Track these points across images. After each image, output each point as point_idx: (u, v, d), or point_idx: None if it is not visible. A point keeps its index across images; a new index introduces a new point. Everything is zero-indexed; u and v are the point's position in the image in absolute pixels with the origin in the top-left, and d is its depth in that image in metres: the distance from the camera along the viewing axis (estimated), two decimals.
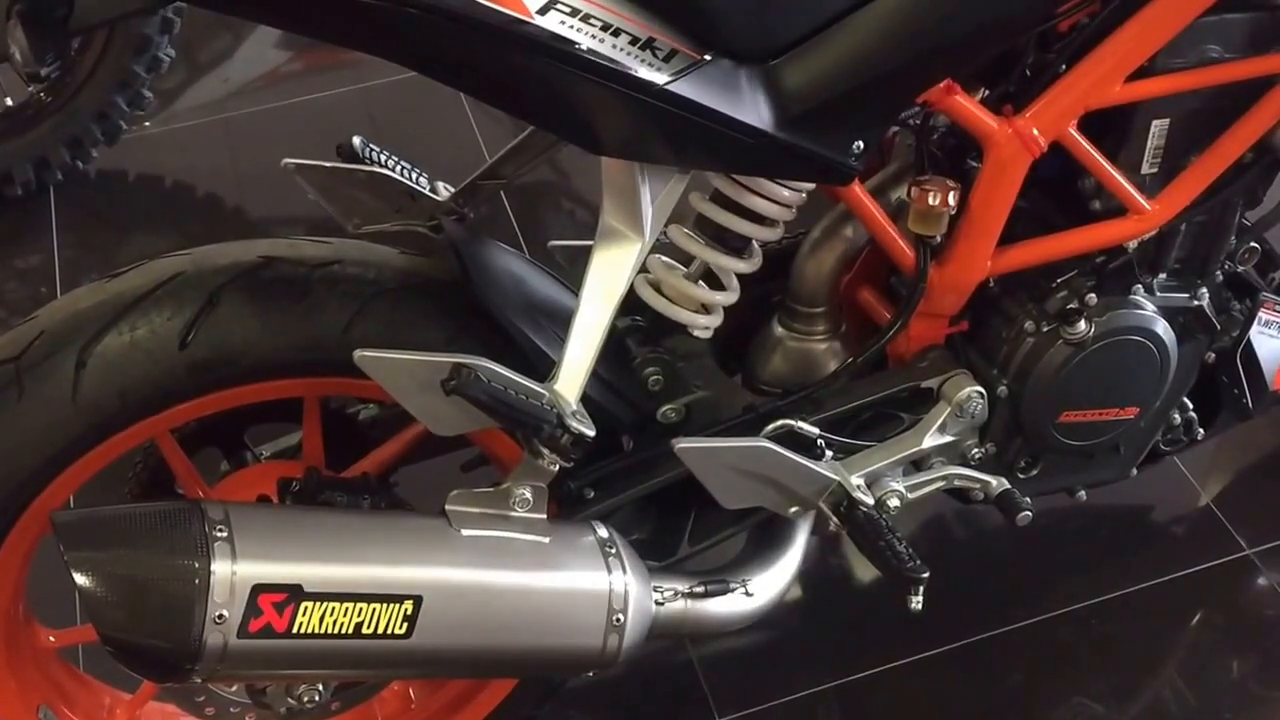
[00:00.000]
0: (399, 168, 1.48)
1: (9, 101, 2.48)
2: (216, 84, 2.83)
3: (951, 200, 1.34)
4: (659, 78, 1.12)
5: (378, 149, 1.47)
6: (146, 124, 2.71)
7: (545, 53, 1.08)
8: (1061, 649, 1.78)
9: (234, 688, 1.42)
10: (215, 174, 2.59)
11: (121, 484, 1.46)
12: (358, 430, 1.53)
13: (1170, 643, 1.80)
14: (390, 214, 1.49)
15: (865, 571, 1.92)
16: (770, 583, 1.43)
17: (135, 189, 2.61)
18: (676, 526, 1.47)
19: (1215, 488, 1.97)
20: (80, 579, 1.06)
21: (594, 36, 1.10)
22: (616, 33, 1.11)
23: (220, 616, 1.08)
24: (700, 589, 1.36)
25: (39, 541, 1.30)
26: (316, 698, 1.37)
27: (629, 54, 1.11)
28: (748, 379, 1.52)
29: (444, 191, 1.51)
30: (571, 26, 1.09)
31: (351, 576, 1.14)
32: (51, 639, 1.41)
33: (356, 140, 1.45)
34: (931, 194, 1.34)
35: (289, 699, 1.37)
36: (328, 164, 1.43)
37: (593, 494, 1.38)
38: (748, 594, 1.40)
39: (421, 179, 1.50)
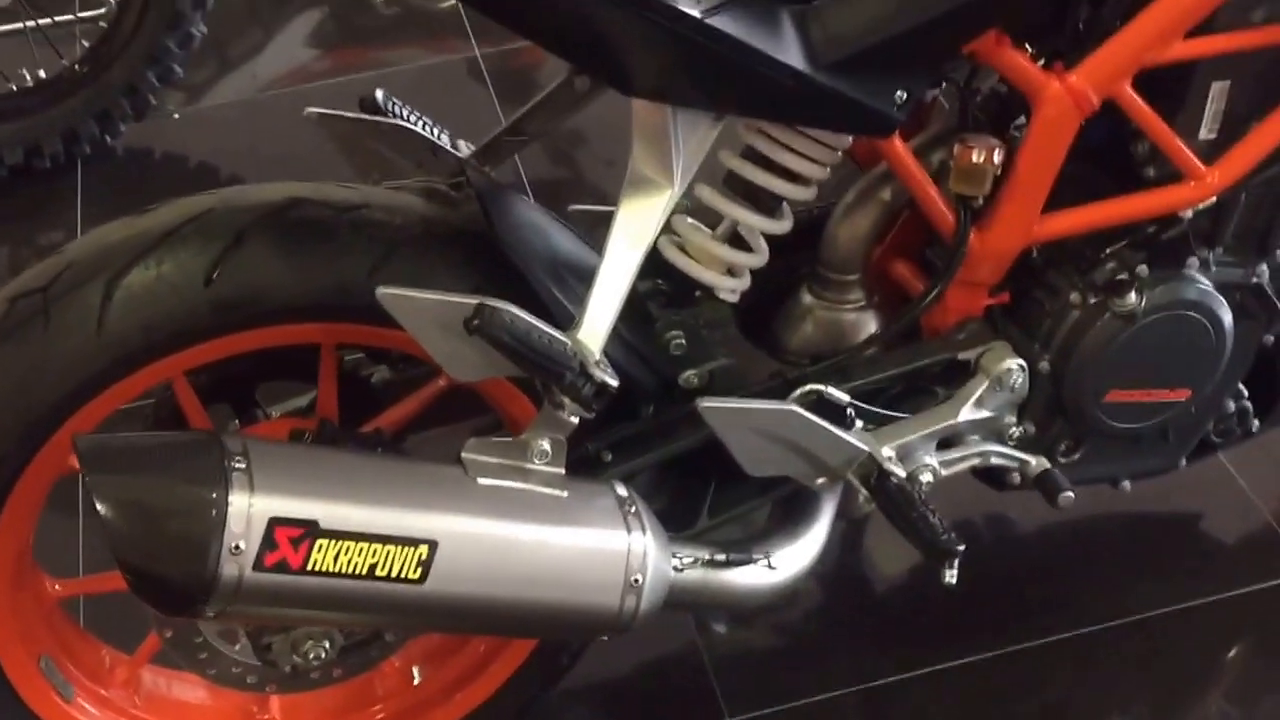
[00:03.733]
0: (420, 123, 1.60)
1: (41, 74, 2.68)
2: (245, 79, 3.06)
3: (996, 158, 1.44)
4: (695, 8, 1.23)
5: (400, 103, 1.59)
6: (175, 115, 2.92)
7: None
8: (1101, 665, 1.84)
9: (237, 646, 1.54)
10: (241, 155, 2.78)
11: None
12: (370, 393, 1.65)
13: (1217, 664, 1.86)
14: (411, 169, 1.61)
15: (889, 572, 2.02)
16: (794, 558, 1.53)
17: (161, 167, 2.82)
18: (696, 497, 1.57)
19: (1275, 500, 2.03)
20: (100, 503, 1.18)
21: None
22: None
23: (237, 548, 1.20)
24: (722, 558, 1.46)
25: (55, 481, 1.41)
26: (322, 654, 1.48)
27: None
28: (775, 349, 1.62)
29: (465, 149, 1.62)
30: None
31: (367, 517, 1.26)
32: (57, 588, 1.53)
33: (379, 93, 1.58)
34: (976, 151, 1.44)
35: (294, 655, 1.48)
36: (350, 114, 1.54)
37: (611, 457, 1.49)
38: (770, 567, 1.50)
39: (444, 135, 1.62)
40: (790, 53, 1.28)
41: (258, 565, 1.21)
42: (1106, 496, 1.75)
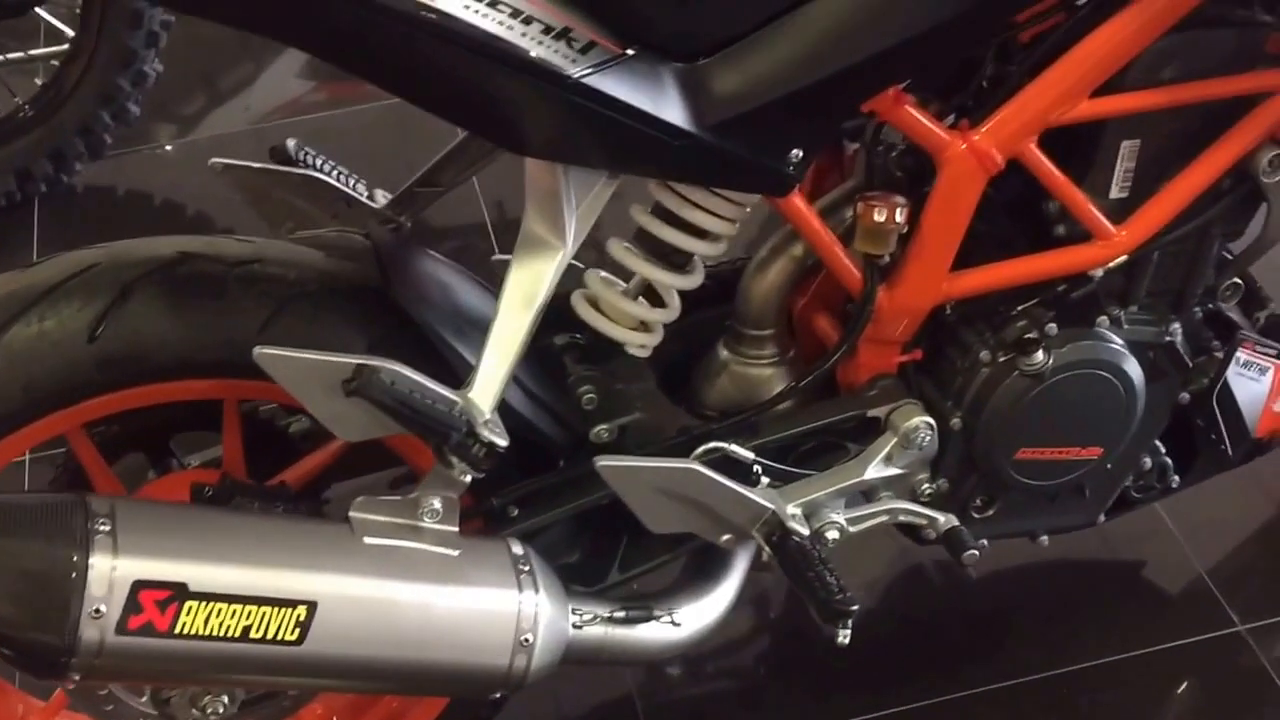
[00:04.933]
0: (335, 172, 1.57)
1: None
2: (238, 112, 3.02)
3: (899, 217, 1.41)
4: (573, 70, 1.20)
5: (313, 152, 1.56)
6: (168, 147, 2.91)
7: (446, 37, 1.16)
8: (1030, 716, 1.82)
9: (143, 698, 1.51)
10: (204, 193, 2.70)
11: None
12: (288, 443, 1.61)
13: (1153, 716, 1.83)
14: (326, 220, 1.58)
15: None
16: (700, 614, 1.50)
17: (123, 205, 2.78)
18: (607, 552, 1.54)
19: (1210, 556, 2.00)
20: None
21: (501, 23, 1.17)
22: (528, 20, 1.19)
23: (98, 611, 1.17)
24: (621, 614, 1.43)
25: None
26: (221, 710, 1.45)
27: (540, 43, 1.19)
28: (691, 405, 1.59)
29: (381, 199, 1.59)
30: (476, 11, 1.16)
31: (241, 578, 1.22)
32: None
33: (291, 142, 1.55)
34: (878, 209, 1.41)
35: (193, 710, 1.44)
36: (257, 164, 1.51)
37: (517, 512, 1.46)
38: (674, 623, 1.47)
39: (360, 185, 1.59)
40: (676, 112, 1.25)
41: (120, 629, 1.17)
42: (1037, 547, 1.71)
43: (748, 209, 1.46)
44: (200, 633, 1.21)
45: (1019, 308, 1.51)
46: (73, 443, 1.43)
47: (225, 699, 1.45)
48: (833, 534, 1.48)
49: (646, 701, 1.86)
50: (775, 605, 2.03)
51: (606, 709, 1.86)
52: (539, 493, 1.48)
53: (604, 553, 1.54)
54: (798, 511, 1.45)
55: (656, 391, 1.53)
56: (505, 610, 1.33)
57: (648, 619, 1.44)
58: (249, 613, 1.22)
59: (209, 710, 1.44)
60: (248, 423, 1.51)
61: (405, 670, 1.31)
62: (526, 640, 1.33)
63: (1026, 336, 1.48)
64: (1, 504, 1.20)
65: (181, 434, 1.60)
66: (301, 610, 1.24)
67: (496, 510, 1.45)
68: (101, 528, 1.19)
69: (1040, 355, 1.48)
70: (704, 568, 1.55)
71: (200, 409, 1.48)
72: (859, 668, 1.89)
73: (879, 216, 1.41)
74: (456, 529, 1.35)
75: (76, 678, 1.20)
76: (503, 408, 1.32)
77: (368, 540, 1.30)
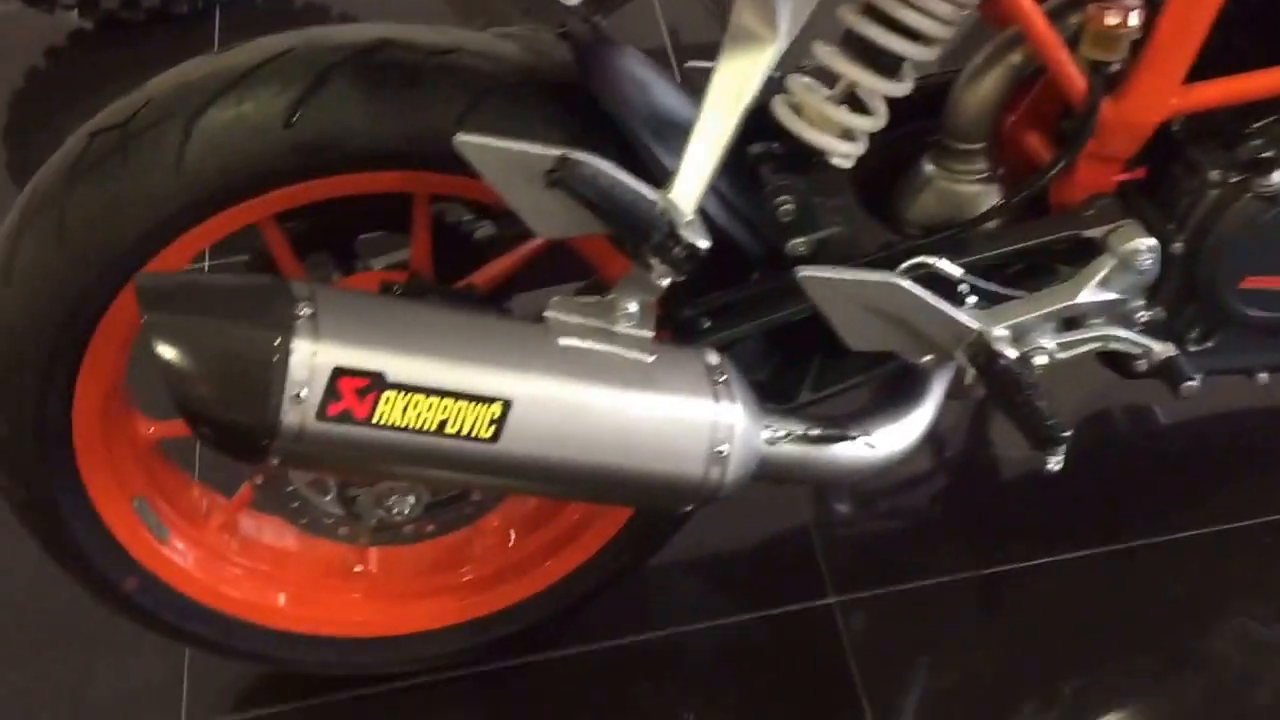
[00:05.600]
0: None
1: None
2: None
3: (1134, 21, 1.30)
4: None
5: None
6: None
7: None
8: (1234, 561, 1.73)
9: (328, 496, 1.49)
10: (381, 6, 2.65)
11: None
12: (472, 249, 1.57)
13: None
14: (517, 16, 1.51)
15: (1013, 456, 1.90)
16: (894, 437, 1.44)
17: (301, 14, 2.74)
18: (799, 370, 1.48)
19: None
20: (157, 344, 1.13)
21: None
22: None
23: (298, 396, 1.14)
24: (816, 432, 1.37)
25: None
26: (406, 510, 1.42)
27: None
28: (893, 221, 1.51)
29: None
30: None
31: (438, 372, 1.19)
32: (151, 430, 1.49)
33: None
34: (1111, 13, 1.30)
35: (379, 509, 1.42)
36: None
37: (709, 323, 1.40)
38: (869, 445, 1.40)
39: None
40: None
41: (320, 414, 1.14)
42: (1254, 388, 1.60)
43: (966, 10, 1.36)
44: (396, 424, 1.17)
45: (1255, 125, 1.40)
46: (265, 234, 1.40)
47: (411, 499, 1.43)
48: (1040, 359, 1.39)
49: (822, 533, 1.80)
50: (954, 443, 1.94)
51: (783, 539, 1.81)
52: (732, 305, 1.42)
53: (796, 371, 1.48)
54: (1005, 334, 1.36)
55: (856, 206, 1.45)
56: (701, 420, 1.28)
57: (843, 438, 1.38)
58: (445, 407, 1.18)
59: (395, 510, 1.42)
60: (432, 227, 1.46)
61: (597, 476, 1.27)
62: (722, 452, 1.28)
63: (1262, 156, 1.38)
64: (203, 282, 1.17)
65: (365, 237, 1.56)
66: (497, 408, 1.20)
67: (688, 321, 1.39)
68: (303, 312, 1.15)
69: (1276, 176, 1.37)
70: (899, 391, 1.48)
71: (386, 210, 1.44)
72: (1045, 509, 1.81)
73: (1112, 20, 1.31)
74: (651, 335, 1.29)
75: (274, 462, 1.17)
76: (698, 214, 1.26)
77: (563, 341, 1.25)
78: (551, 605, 1.64)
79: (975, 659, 1.65)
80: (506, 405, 1.21)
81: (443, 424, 1.19)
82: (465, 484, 1.39)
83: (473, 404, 1.20)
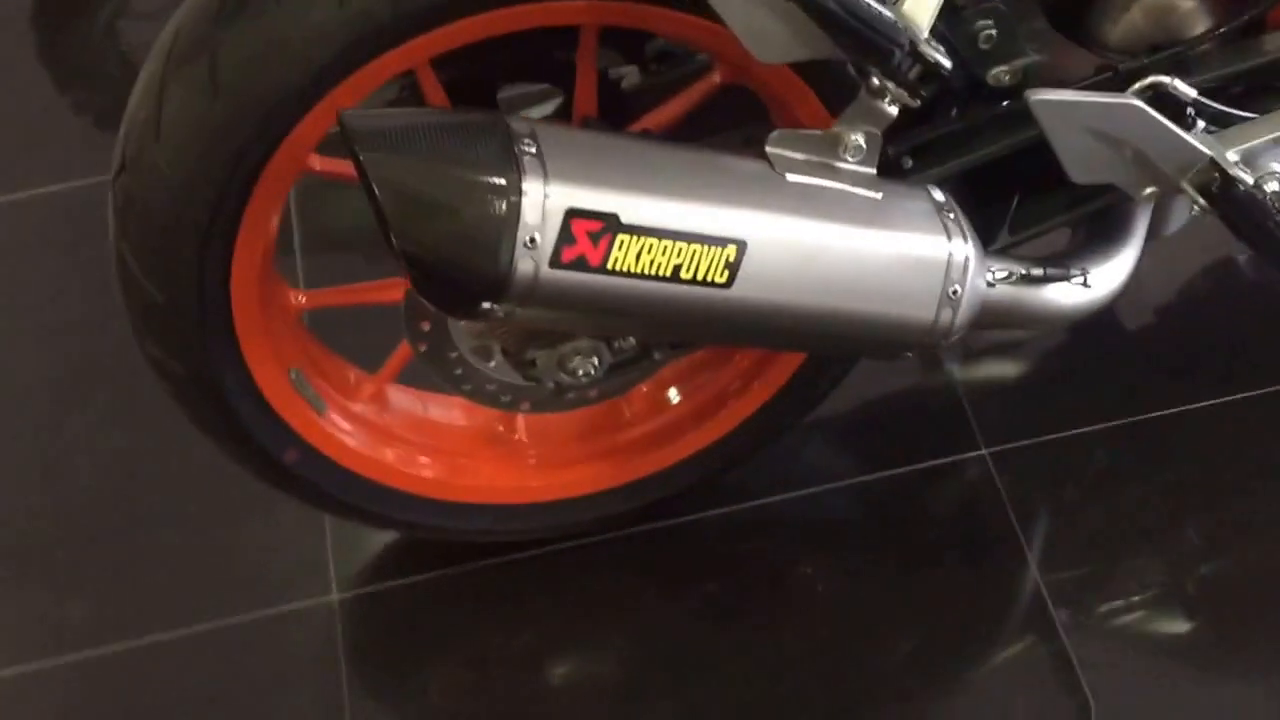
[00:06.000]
0: None
1: None
2: None
3: None
4: None
5: None
6: None
7: None
8: None
9: (492, 363, 1.39)
10: None
11: None
12: (618, 100, 1.45)
13: None
14: None
15: (1162, 300, 1.81)
16: (1109, 275, 1.36)
17: None
18: (998, 212, 1.38)
19: None
20: (377, 186, 1.02)
21: None
22: None
23: (532, 240, 1.04)
24: (1039, 272, 1.27)
25: (298, 178, 1.26)
26: (591, 371, 1.33)
27: None
28: (1091, 44, 1.39)
29: None
30: None
31: (671, 212, 1.09)
32: (301, 299, 1.39)
33: None
34: None
35: (560, 372, 1.33)
36: None
37: (911, 163, 1.31)
38: (1086, 285, 1.31)
39: None
40: None
41: (554, 261, 1.04)
42: None
43: None
44: (631, 269, 1.07)
45: None
46: (422, 82, 1.28)
47: (595, 360, 1.33)
48: (1272, 186, 1.29)
49: (969, 388, 1.72)
50: None
51: (930, 394, 1.73)
52: (934, 142, 1.32)
53: (993, 214, 1.37)
54: (1238, 158, 1.26)
55: (1050, 30, 1.35)
56: (935, 258, 1.18)
57: (1064, 277, 1.29)
58: (679, 250, 1.08)
59: (580, 372, 1.32)
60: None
61: (827, 320, 1.18)
62: (955, 292, 1.19)
63: None
64: (414, 118, 1.06)
65: (505, 91, 1.44)
66: (731, 250, 1.10)
67: (889, 160, 1.29)
68: (528, 149, 1.04)
69: None
70: (1106, 230, 1.39)
71: (527, 58, 1.34)
72: (1201, 352, 1.74)
73: None
74: (875, 170, 1.19)
75: (500, 315, 1.07)
76: None
77: (791, 178, 1.15)
78: (708, 466, 1.56)
79: (1134, 502, 1.59)
80: (741, 247, 1.11)
81: (677, 269, 1.09)
82: (692, 336, 1.29)
83: (707, 247, 1.10)
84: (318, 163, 1.28)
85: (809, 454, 1.66)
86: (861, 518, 1.62)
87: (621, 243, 1.07)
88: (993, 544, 1.55)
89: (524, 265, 1.05)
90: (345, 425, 1.46)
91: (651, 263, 1.08)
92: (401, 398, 1.53)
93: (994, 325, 1.32)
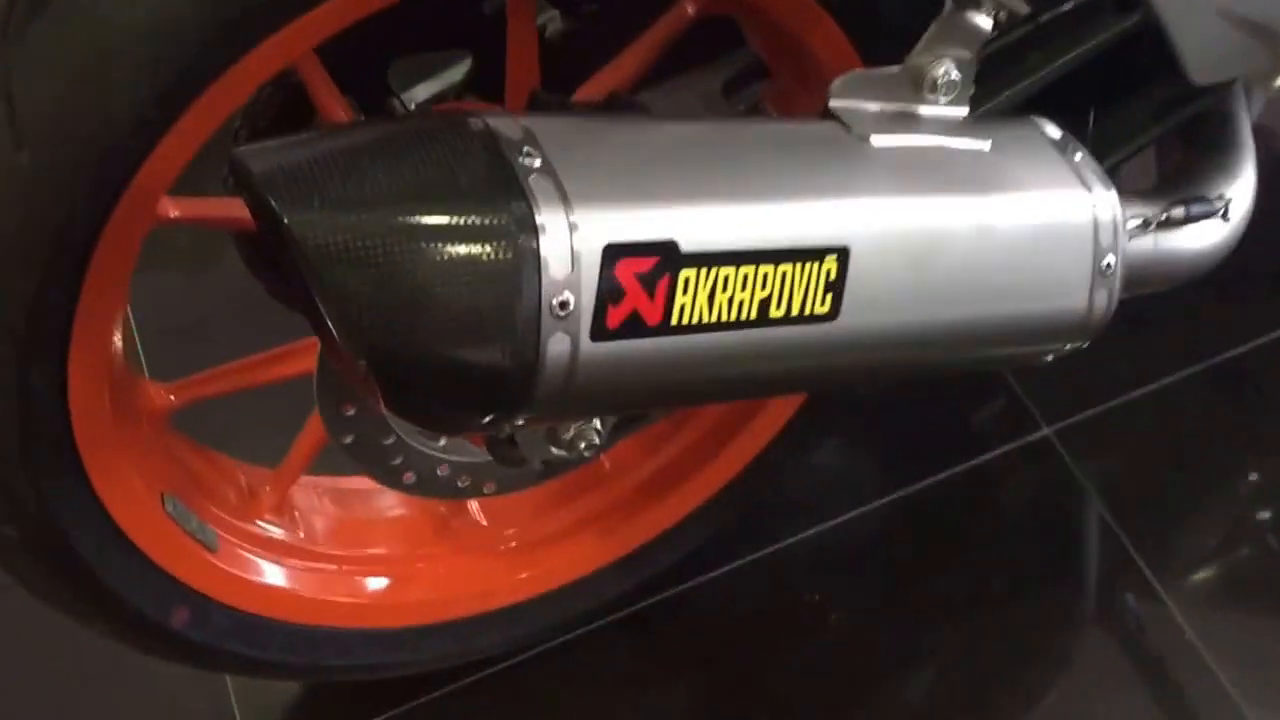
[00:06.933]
0: None
1: None
2: None
3: None
4: None
5: None
6: None
7: None
8: None
9: (442, 440, 1.02)
10: None
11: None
12: (551, 55, 1.07)
13: None
14: None
15: None
16: (1240, 196, 1.03)
17: None
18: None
19: None
20: (319, 265, 0.62)
21: None
22: None
23: (563, 306, 0.65)
24: (1179, 212, 0.94)
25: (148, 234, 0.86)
26: (595, 439, 0.95)
27: None
28: None
29: None
30: None
31: (745, 223, 0.71)
32: (170, 397, 0.99)
33: None
34: None
35: (552, 447, 0.94)
36: None
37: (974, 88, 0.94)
38: (1224, 217, 0.99)
39: None
40: None
41: (598, 330, 0.65)
42: None
43: None
44: (703, 320, 0.70)
45: None
46: (309, 80, 0.91)
47: (596, 423, 0.95)
48: None
49: (1029, 390, 1.46)
50: None
51: (990, 402, 1.46)
52: (999, 56, 0.96)
53: None
54: None
55: None
56: (1078, 222, 0.85)
57: (1210, 211, 0.96)
58: (764, 277, 0.72)
59: (581, 444, 0.94)
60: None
61: (960, 335, 0.82)
62: (1108, 266, 0.85)
63: None
64: (352, 144, 0.66)
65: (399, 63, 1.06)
66: (830, 263, 0.74)
67: None
68: (529, 161, 0.65)
69: None
70: (1213, 141, 1.06)
71: (415, 26, 0.98)
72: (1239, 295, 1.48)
73: None
74: (967, 110, 0.84)
75: (519, 423, 0.69)
76: None
77: (877, 142, 0.78)
78: (722, 515, 1.22)
79: (1208, 449, 1.42)
80: (843, 256, 0.74)
81: (765, 306, 0.72)
82: (784, 390, 0.92)
83: (800, 265, 0.73)
84: (173, 209, 0.88)
85: (862, 467, 1.44)
86: (940, 517, 1.38)
87: (686, 283, 0.69)
88: (1074, 518, 1.38)
89: (556, 346, 0.66)
90: (247, 557, 1.07)
91: (730, 304, 0.71)
92: (315, 499, 1.14)
93: (1132, 291, 0.99)
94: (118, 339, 0.92)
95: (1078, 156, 0.87)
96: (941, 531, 1.35)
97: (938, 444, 1.40)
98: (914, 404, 1.40)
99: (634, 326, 0.68)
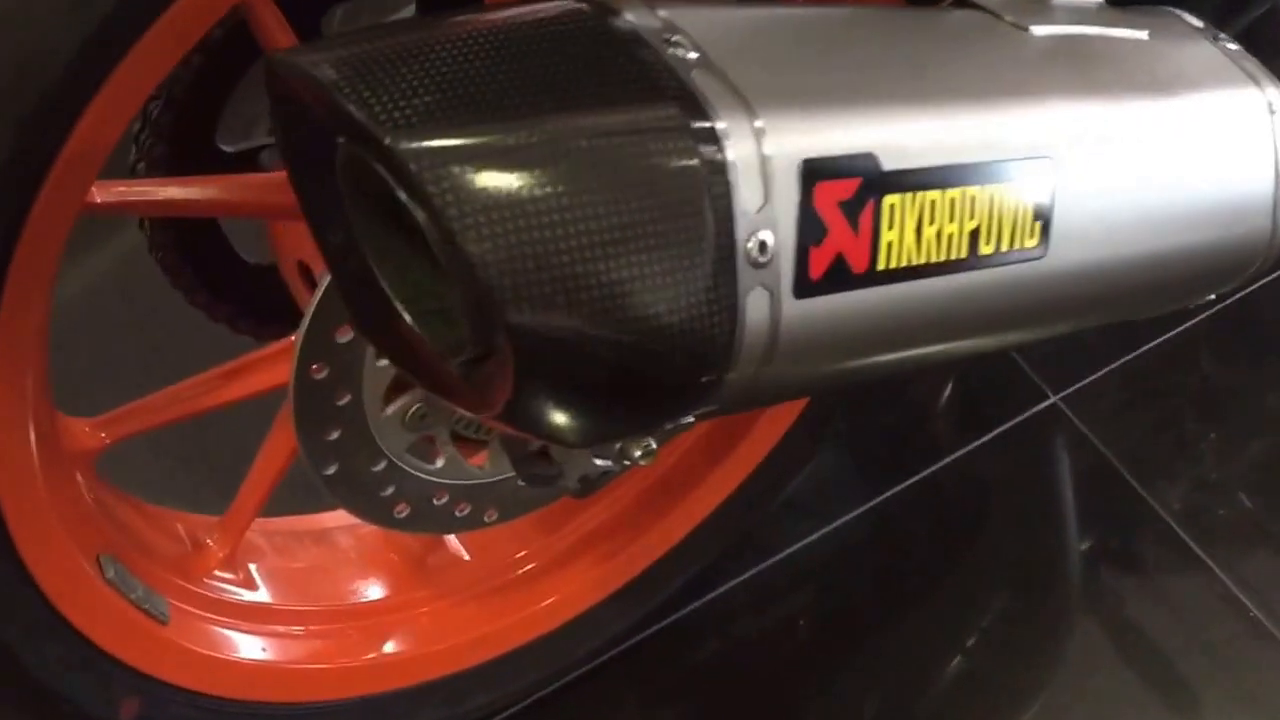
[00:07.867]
0: None
1: None
2: None
3: None
4: None
5: None
6: None
7: None
8: None
9: (439, 462, 0.83)
10: None
11: None
12: None
13: None
14: None
15: None
16: None
17: None
18: None
19: None
20: (442, 203, 0.42)
21: None
22: None
23: (761, 247, 0.46)
24: None
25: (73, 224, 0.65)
26: (653, 445, 0.76)
27: None
28: None
29: None
30: None
31: (944, 134, 0.53)
32: (101, 435, 0.77)
33: None
34: None
35: (598, 459, 0.76)
36: None
37: None
38: None
39: None
40: None
41: (801, 281, 0.47)
42: None
43: None
44: (911, 261, 0.52)
45: None
46: (258, 17, 0.70)
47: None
48: None
49: (1030, 361, 1.43)
50: None
51: (992, 376, 1.41)
52: None
53: None
54: None
55: None
56: (1258, 123, 0.68)
57: None
58: (972, 201, 0.53)
59: (636, 452, 0.75)
60: None
61: (1157, 266, 0.66)
62: None
63: None
64: (473, 40, 0.46)
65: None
66: (1038, 179, 0.56)
67: None
68: (685, 54, 0.46)
69: None
70: None
71: None
72: None
73: None
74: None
75: (696, 415, 0.50)
76: None
77: (1039, 31, 0.61)
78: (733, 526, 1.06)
79: (1223, 401, 1.39)
80: (1047, 171, 0.57)
81: (974, 239, 0.54)
82: (987, 347, 0.74)
83: (1006, 186, 0.55)
84: (100, 194, 0.67)
85: (875, 450, 1.37)
86: (958, 497, 1.33)
87: (891, 212, 0.51)
88: (1096, 483, 1.34)
89: (756, 307, 0.47)
90: (203, 627, 0.84)
91: (938, 239, 0.53)
92: (272, 547, 0.93)
93: None
94: (41, 364, 0.70)
95: (1232, 47, 0.72)
96: (975, 502, 1.30)
97: (955, 422, 1.32)
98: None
99: (839, 276, 0.50)
